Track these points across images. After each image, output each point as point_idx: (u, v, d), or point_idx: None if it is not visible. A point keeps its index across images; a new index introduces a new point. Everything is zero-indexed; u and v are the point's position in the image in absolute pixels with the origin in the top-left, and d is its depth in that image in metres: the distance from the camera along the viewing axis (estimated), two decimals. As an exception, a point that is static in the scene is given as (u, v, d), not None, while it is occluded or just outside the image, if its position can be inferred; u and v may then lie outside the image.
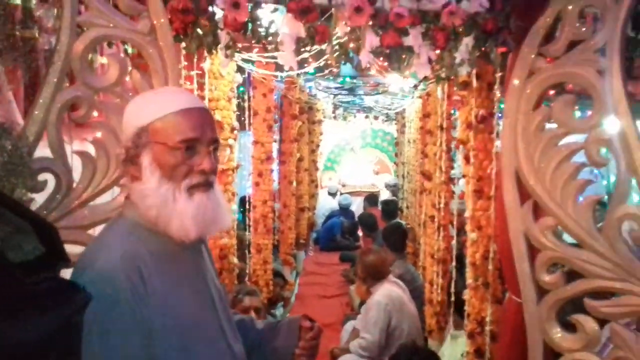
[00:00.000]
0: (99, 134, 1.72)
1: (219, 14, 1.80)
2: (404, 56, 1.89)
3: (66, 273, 0.94)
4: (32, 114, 1.60)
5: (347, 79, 5.70)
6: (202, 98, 2.77)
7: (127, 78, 1.73)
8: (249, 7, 1.79)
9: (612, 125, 1.73)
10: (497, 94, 2.58)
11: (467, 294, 2.93)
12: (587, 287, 1.76)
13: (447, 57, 1.89)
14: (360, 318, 3.73)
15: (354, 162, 11.96)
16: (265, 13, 1.87)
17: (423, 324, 4.15)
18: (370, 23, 1.80)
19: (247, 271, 4.41)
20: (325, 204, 9.22)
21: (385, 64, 1.95)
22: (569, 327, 1.82)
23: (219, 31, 1.81)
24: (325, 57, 2.00)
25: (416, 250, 5.95)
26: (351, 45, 1.86)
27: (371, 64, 2.02)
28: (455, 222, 3.66)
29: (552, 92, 2.01)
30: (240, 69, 3.47)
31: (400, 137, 9.53)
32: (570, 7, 1.76)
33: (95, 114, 1.70)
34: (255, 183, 4.99)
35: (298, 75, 4.52)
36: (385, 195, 9.73)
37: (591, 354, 1.77)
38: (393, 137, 11.27)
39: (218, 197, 1.26)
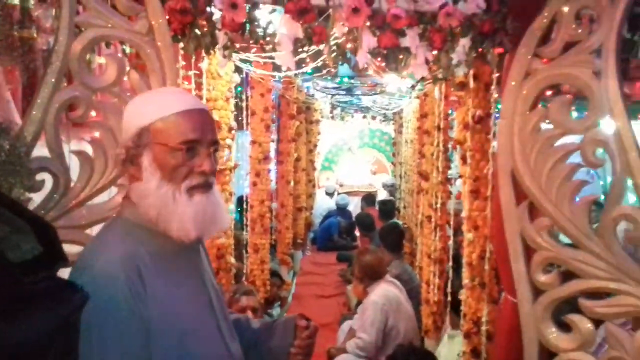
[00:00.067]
0: (96, 134, 1.72)
1: (217, 14, 1.80)
2: (401, 57, 1.90)
3: (64, 272, 0.94)
4: (30, 113, 1.61)
5: (345, 79, 5.71)
6: (200, 98, 2.77)
7: (125, 78, 1.74)
8: (247, 8, 1.79)
9: (608, 126, 1.74)
10: (494, 94, 2.59)
11: (463, 294, 2.93)
12: (582, 287, 1.77)
13: (444, 58, 1.90)
14: (357, 318, 3.74)
15: (351, 162, 11.97)
16: (263, 14, 1.88)
17: (420, 323, 4.16)
18: (368, 24, 1.80)
19: (245, 271, 4.41)
20: (323, 204, 9.23)
21: (383, 64, 1.95)
22: (565, 327, 1.83)
23: (217, 32, 1.81)
24: (323, 57, 2.01)
25: (413, 250, 5.96)
26: (349, 45, 1.87)
27: (368, 65, 2.03)
28: (452, 222, 3.68)
29: (549, 92, 2.03)
30: (238, 69, 3.48)
31: (398, 137, 9.54)
32: (566, 9, 1.77)
33: (93, 113, 1.70)
34: (253, 183, 4.99)
35: (296, 75, 4.53)
36: (382, 195, 9.75)
37: (586, 354, 1.78)
38: (390, 137, 11.28)
39: (217, 198, 1.26)
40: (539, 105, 1.88)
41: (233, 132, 3.29)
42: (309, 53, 2.01)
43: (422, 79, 2.84)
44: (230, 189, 3.26)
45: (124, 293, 1.11)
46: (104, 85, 1.69)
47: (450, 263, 3.43)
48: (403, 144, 8.22)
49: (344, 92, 7.02)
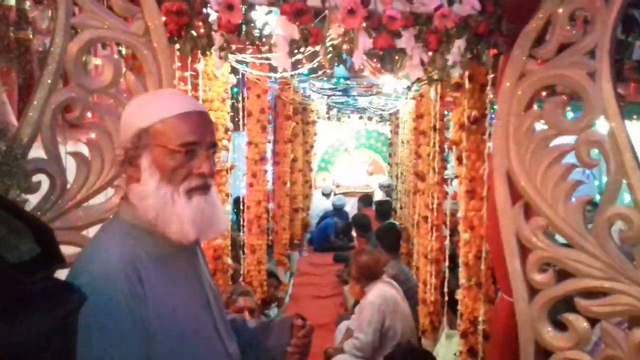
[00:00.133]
0: (93, 135, 1.72)
1: (213, 15, 1.80)
2: (396, 58, 1.91)
3: (61, 274, 0.95)
4: (26, 115, 1.60)
5: (341, 80, 5.72)
6: (196, 99, 2.78)
7: (122, 79, 1.74)
8: (243, 9, 1.79)
9: (602, 126, 1.76)
10: (489, 95, 2.60)
11: (460, 294, 2.94)
12: (578, 287, 1.78)
13: (440, 59, 1.90)
14: (354, 318, 3.74)
15: (348, 163, 11.99)
16: (259, 15, 1.88)
17: (417, 323, 4.17)
18: (364, 25, 1.81)
19: (241, 272, 4.41)
20: (319, 205, 9.24)
21: (379, 65, 1.96)
22: (561, 326, 1.84)
23: (213, 33, 1.82)
24: (319, 58, 2.01)
25: (410, 250, 5.97)
26: (344, 47, 1.87)
27: (364, 66, 2.03)
28: (448, 223, 3.68)
29: (544, 93, 2.04)
30: (234, 70, 3.48)
31: (394, 138, 9.56)
32: (560, 10, 1.78)
33: (89, 115, 1.70)
34: (249, 184, 4.99)
35: (292, 76, 4.54)
36: (379, 195, 9.77)
37: (582, 353, 1.79)
38: (387, 138, 11.30)
39: (215, 200, 1.27)
40: (534, 106, 1.89)
41: (229, 133, 3.29)
42: (305, 54, 2.01)
43: (418, 80, 2.84)
44: (227, 190, 3.26)
45: (124, 294, 1.12)
46: (100, 87, 1.69)
47: (447, 263, 3.43)
48: (399, 145, 8.24)
49: (340, 93, 7.04)
